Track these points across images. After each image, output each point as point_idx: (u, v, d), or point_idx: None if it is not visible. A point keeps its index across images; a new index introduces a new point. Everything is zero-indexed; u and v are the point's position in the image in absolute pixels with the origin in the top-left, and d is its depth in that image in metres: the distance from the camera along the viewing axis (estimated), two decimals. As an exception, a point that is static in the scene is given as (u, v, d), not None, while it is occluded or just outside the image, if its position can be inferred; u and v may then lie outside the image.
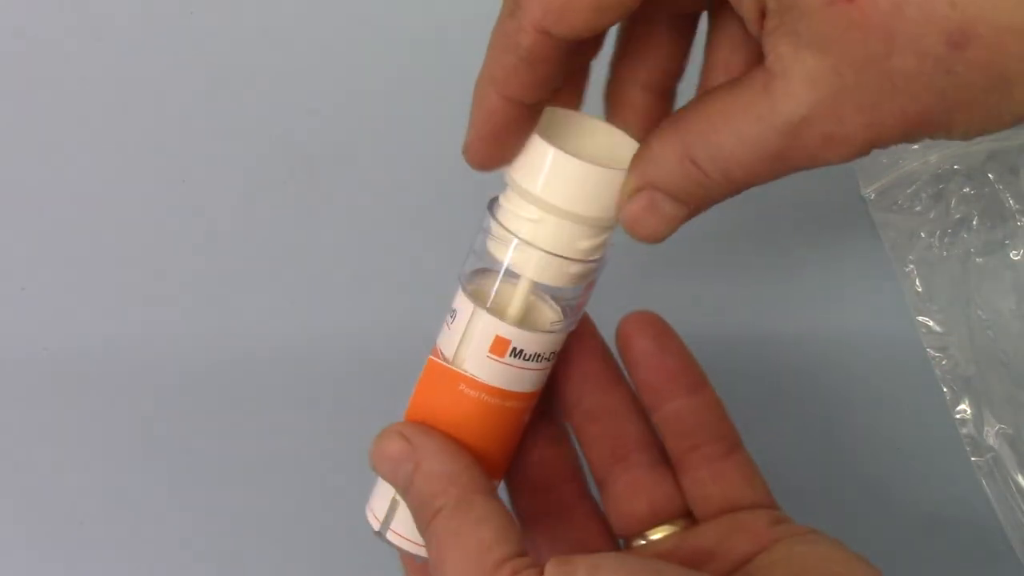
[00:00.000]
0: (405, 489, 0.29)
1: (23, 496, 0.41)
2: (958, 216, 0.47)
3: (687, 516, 0.33)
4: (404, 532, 0.31)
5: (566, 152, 0.28)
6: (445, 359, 0.30)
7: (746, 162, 0.26)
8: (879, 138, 0.25)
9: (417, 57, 0.47)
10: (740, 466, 0.33)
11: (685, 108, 0.28)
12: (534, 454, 0.34)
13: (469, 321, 0.29)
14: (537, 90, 0.28)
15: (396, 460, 0.29)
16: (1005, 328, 0.45)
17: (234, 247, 0.45)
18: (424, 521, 0.28)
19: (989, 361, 0.45)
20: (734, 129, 0.26)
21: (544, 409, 0.33)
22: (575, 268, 0.29)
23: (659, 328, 0.34)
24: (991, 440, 0.44)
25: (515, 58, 0.27)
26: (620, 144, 0.30)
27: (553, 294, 0.30)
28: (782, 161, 0.26)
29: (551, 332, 0.30)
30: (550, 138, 0.29)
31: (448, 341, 0.30)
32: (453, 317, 0.30)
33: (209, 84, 0.48)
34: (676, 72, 0.32)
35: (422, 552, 0.30)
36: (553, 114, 0.30)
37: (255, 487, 0.42)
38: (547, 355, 0.30)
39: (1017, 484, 0.43)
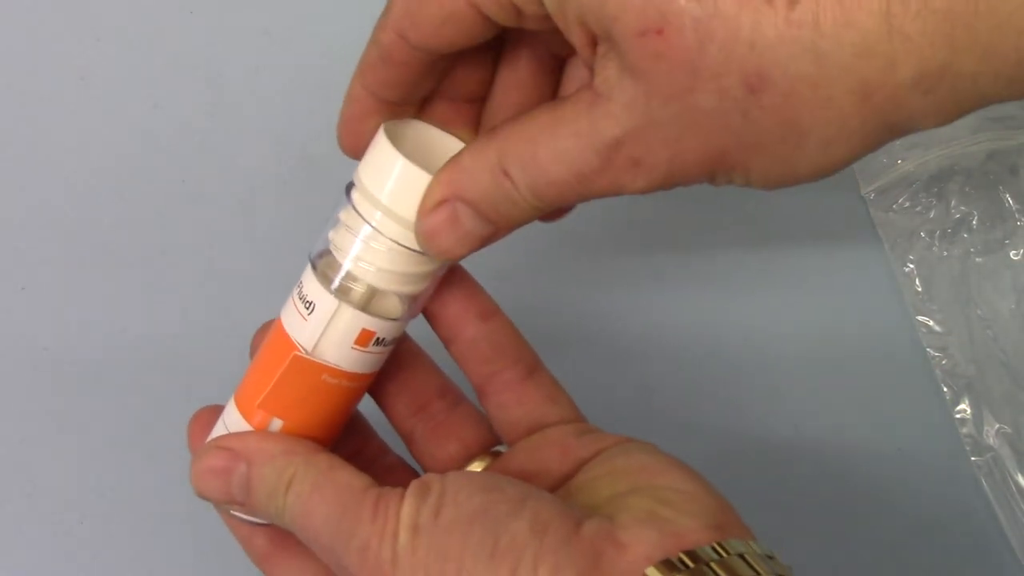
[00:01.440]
0: (245, 492, 0.29)
1: (23, 496, 0.41)
2: (958, 216, 0.47)
3: (495, 448, 0.33)
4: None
5: (410, 160, 0.29)
6: (305, 351, 0.30)
7: (557, 179, 0.27)
8: (680, 172, 0.26)
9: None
10: (541, 386, 0.33)
11: (504, 122, 0.28)
12: None
13: (333, 316, 0.29)
14: (393, 89, 0.29)
15: (224, 469, 0.30)
16: (1005, 328, 0.45)
17: (234, 247, 0.45)
18: (279, 500, 0.29)
19: (989, 361, 0.45)
20: (552, 143, 0.27)
21: None
22: (421, 269, 0.30)
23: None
24: (991, 440, 0.44)
25: (375, 54, 0.29)
26: None
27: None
28: (589, 182, 0.27)
29: (403, 320, 0.31)
30: (400, 146, 0.29)
31: (305, 332, 0.30)
32: (310, 308, 0.30)
33: (209, 84, 0.48)
34: (486, 83, 0.32)
35: (267, 522, 0.31)
36: (407, 126, 0.30)
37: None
38: (400, 335, 0.31)
39: (1017, 484, 0.43)
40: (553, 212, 0.31)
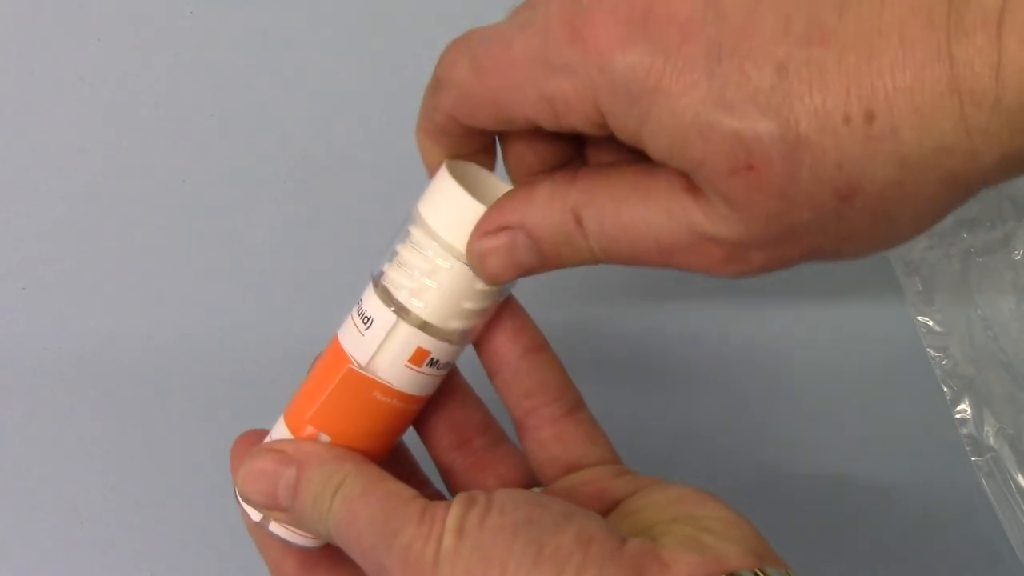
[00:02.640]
0: (291, 496, 0.30)
1: (23, 496, 0.41)
2: (958, 216, 0.47)
3: (534, 485, 0.34)
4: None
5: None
6: (359, 365, 0.30)
7: (640, 244, 0.27)
8: (775, 267, 0.28)
9: (417, 57, 0.47)
10: (581, 424, 0.33)
11: (585, 171, 0.29)
12: None
13: (390, 331, 0.30)
14: (455, 149, 0.30)
15: (274, 472, 0.30)
16: (1005, 328, 0.45)
17: (234, 247, 0.45)
18: (325, 504, 0.29)
19: (989, 361, 0.45)
20: (642, 212, 0.27)
21: None
22: (476, 306, 0.30)
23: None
24: (991, 440, 0.44)
25: (432, 125, 0.30)
26: None
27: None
28: (673, 257, 0.27)
29: (464, 343, 0.31)
30: (460, 183, 0.29)
31: (361, 347, 0.30)
32: (368, 324, 0.30)
33: (209, 84, 0.48)
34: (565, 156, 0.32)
35: (306, 542, 0.31)
36: (466, 166, 0.30)
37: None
38: (454, 361, 0.32)
39: (1017, 484, 0.43)
40: None
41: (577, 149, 0.31)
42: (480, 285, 0.30)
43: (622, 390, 0.44)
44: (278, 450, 0.30)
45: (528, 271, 0.30)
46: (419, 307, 0.29)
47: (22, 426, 0.42)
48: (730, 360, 0.45)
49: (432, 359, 0.30)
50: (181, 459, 0.42)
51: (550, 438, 0.33)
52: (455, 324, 0.30)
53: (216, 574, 0.40)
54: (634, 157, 0.29)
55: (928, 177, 0.25)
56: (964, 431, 0.44)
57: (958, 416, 0.44)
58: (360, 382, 0.30)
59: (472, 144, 0.30)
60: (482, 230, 0.29)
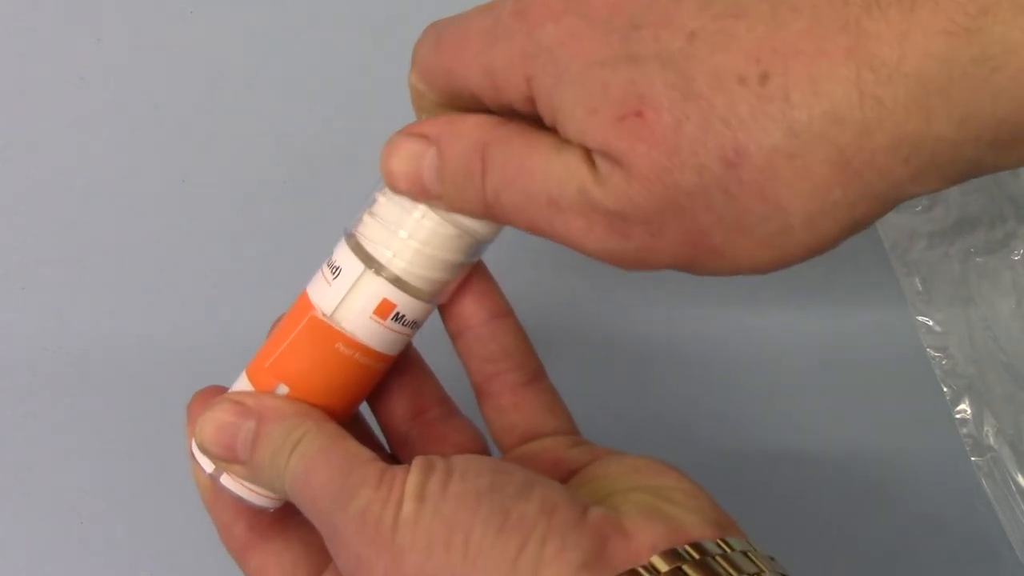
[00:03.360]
0: (249, 449, 0.29)
1: (23, 496, 0.41)
2: (958, 216, 0.47)
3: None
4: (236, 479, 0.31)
5: None
6: (323, 314, 0.30)
7: (530, 192, 0.28)
8: (654, 251, 0.27)
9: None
10: (541, 394, 0.33)
11: (515, 121, 0.29)
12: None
13: (357, 280, 0.29)
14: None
15: (233, 424, 0.30)
16: (1005, 328, 0.45)
17: (234, 247, 0.45)
18: (282, 459, 0.28)
19: (989, 361, 0.45)
20: (546, 162, 0.27)
21: None
22: (449, 257, 0.30)
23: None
24: (991, 440, 0.44)
25: (413, 101, 0.31)
26: None
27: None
28: (558, 216, 0.27)
29: (431, 303, 0.31)
30: None
31: (328, 297, 0.30)
32: (336, 274, 0.30)
33: (209, 84, 0.48)
34: None
35: (258, 499, 0.30)
36: None
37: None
38: (420, 323, 0.31)
39: (1017, 484, 0.43)
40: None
41: None
42: (452, 240, 0.29)
43: (619, 384, 0.44)
44: (239, 402, 0.30)
45: (425, 193, 0.29)
46: (388, 257, 0.29)
47: (22, 426, 0.42)
48: (727, 359, 0.45)
49: (398, 313, 0.30)
50: (181, 459, 0.42)
51: (509, 405, 0.33)
52: (424, 277, 0.29)
53: (216, 574, 0.40)
54: None
55: (817, 153, 0.24)
56: (964, 431, 0.44)
57: (958, 416, 0.44)
58: (323, 331, 0.29)
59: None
60: (407, 129, 0.30)
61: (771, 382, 0.45)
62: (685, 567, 0.25)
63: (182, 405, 0.42)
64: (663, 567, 0.25)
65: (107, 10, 0.49)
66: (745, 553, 0.26)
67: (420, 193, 0.29)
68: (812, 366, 0.45)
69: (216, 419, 0.30)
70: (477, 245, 0.30)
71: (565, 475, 0.30)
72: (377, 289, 0.29)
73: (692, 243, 0.26)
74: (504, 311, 0.33)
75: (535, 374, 0.33)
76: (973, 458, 0.43)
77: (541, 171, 0.27)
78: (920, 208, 0.47)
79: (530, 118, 0.28)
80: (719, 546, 0.26)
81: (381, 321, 0.30)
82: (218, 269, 0.44)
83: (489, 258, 0.32)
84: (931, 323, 0.45)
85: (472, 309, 0.33)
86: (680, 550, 0.25)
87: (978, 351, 0.45)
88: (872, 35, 0.23)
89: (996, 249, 0.46)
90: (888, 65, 0.23)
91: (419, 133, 0.29)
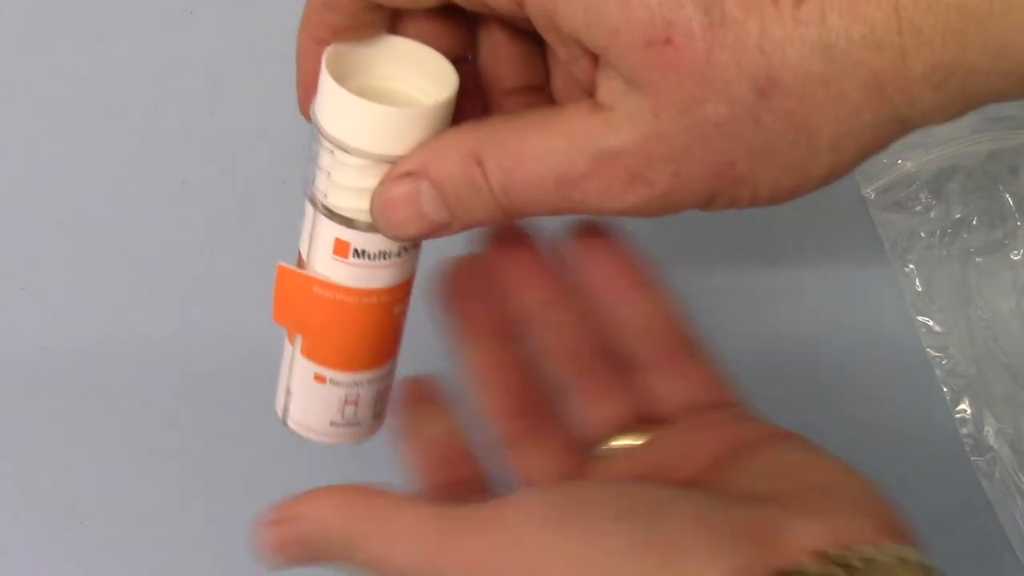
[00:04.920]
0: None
1: (23, 496, 0.41)
2: (958, 216, 0.47)
3: (651, 422, 0.32)
4: (300, 420, 0.33)
5: (361, 92, 0.28)
6: (301, 262, 0.30)
7: (534, 177, 0.26)
8: (681, 189, 0.25)
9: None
10: (702, 365, 0.32)
11: (494, 116, 0.28)
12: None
13: (313, 225, 0.30)
14: (344, 36, 0.28)
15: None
16: (1005, 328, 0.45)
17: (234, 247, 0.45)
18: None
19: (989, 361, 0.45)
20: (541, 141, 0.26)
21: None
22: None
23: (606, 231, 0.32)
24: (991, 440, 0.44)
25: (317, 2, 0.28)
26: (424, 64, 0.29)
27: None
28: (571, 190, 0.26)
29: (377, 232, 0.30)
30: (348, 73, 0.28)
31: (302, 244, 0.30)
32: (303, 220, 0.30)
33: (209, 84, 0.48)
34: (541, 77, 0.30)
35: (320, 439, 0.32)
36: (357, 48, 0.29)
37: (255, 487, 0.42)
38: (395, 251, 0.30)
39: (1017, 484, 0.43)
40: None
41: (470, 40, 0.30)
42: (362, 169, 0.28)
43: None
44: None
45: (434, 227, 0.28)
46: (322, 196, 0.29)
47: (22, 426, 0.42)
48: (728, 360, 0.45)
49: (355, 249, 0.29)
50: (181, 459, 0.42)
51: (669, 378, 0.31)
52: (355, 207, 0.29)
53: (216, 574, 0.40)
54: (534, 47, 0.28)
55: (853, 79, 0.23)
56: (964, 431, 0.44)
57: (958, 416, 0.44)
58: (294, 279, 0.30)
59: (360, 18, 0.28)
60: (388, 177, 0.28)
61: (770, 381, 0.45)
62: (837, 571, 0.23)
63: (182, 405, 0.42)
64: (814, 570, 0.23)
65: (107, 10, 0.49)
66: (908, 561, 0.25)
67: (432, 229, 0.28)
68: (812, 366, 0.45)
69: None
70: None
71: (731, 450, 0.29)
72: (327, 231, 0.29)
73: (716, 174, 0.25)
74: (656, 283, 0.32)
75: (694, 344, 0.32)
76: (973, 458, 0.43)
77: (545, 152, 0.26)
78: (920, 208, 0.47)
79: (502, 18, 0.26)
80: (880, 550, 0.25)
81: (344, 260, 0.29)
82: (218, 269, 0.44)
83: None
84: (931, 323, 0.45)
85: (625, 284, 0.32)
86: (840, 554, 0.24)
87: (978, 351, 0.45)
88: None
89: (996, 249, 0.46)
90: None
91: (402, 173, 0.27)
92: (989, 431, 0.44)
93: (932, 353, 0.45)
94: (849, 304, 0.46)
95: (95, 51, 0.48)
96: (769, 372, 0.45)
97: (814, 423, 0.44)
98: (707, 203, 0.26)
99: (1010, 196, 0.47)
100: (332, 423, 0.33)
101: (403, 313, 0.32)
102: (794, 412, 0.44)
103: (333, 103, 0.28)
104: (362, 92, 0.28)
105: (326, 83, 0.28)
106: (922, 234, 0.46)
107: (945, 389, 0.44)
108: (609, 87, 0.25)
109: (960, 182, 0.47)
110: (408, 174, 0.27)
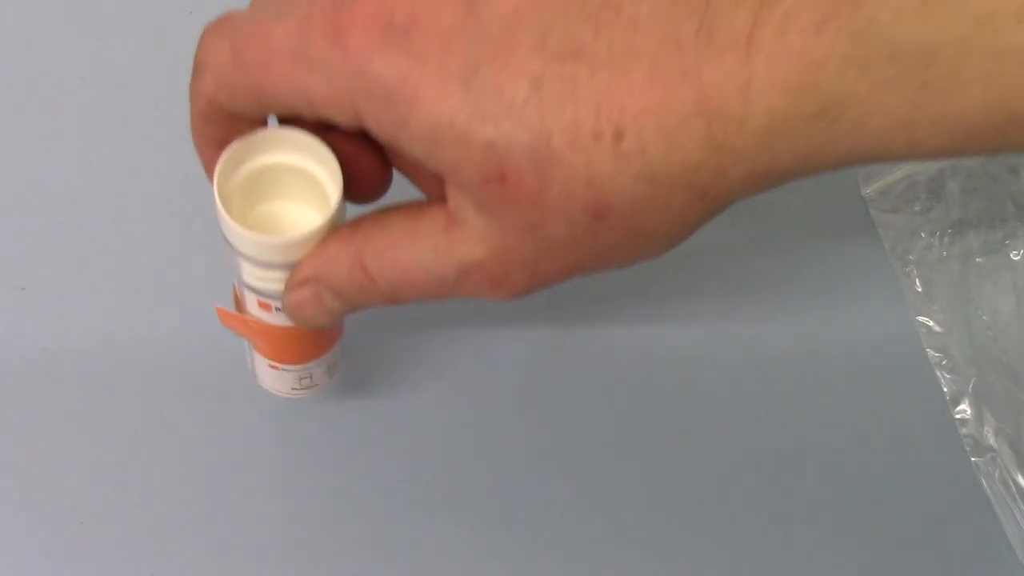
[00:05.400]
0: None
1: (23, 496, 0.41)
2: (958, 216, 0.47)
3: None
4: (267, 385, 0.39)
5: (254, 178, 0.31)
6: (236, 298, 0.35)
7: (417, 283, 0.29)
8: (540, 284, 0.29)
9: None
10: None
11: (367, 220, 0.30)
12: None
13: (238, 280, 0.33)
14: (224, 134, 0.30)
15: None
16: (1005, 328, 0.45)
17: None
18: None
19: (989, 361, 0.45)
20: (412, 253, 0.29)
21: None
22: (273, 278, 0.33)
23: None
24: (991, 440, 0.44)
25: (197, 114, 0.30)
26: (312, 159, 0.31)
27: None
28: (450, 289, 0.29)
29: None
30: (242, 158, 0.31)
31: (234, 284, 0.34)
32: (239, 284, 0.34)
33: (209, 84, 0.48)
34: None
35: (286, 396, 0.38)
36: (253, 139, 0.31)
37: (255, 486, 0.42)
38: None
39: (1017, 484, 0.43)
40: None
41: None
42: (273, 269, 0.32)
43: (616, 384, 0.44)
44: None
45: (344, 314, 0.31)
46: (240, 271, 0.33)
47: (22, 426, 0.42)
48: (727, 360, 0.45)
49: (275, 307, 0.33)
50: (181, 459, 0.42)
51: None
52: (269, 288, 0.32)
53: (217, 574, 0.40)
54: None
55: (677, 192, 0.26)
56: (964, 431, 0.44)
57: (958, 416, 0.44)
58: (235, 318, 0.35)
59: (240, 126, 0.30)
60: (291, 282, 0.31)
61: (769, 381, 0.45)
62: None
63: (182, 405, 0.42)
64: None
65: (107, 10, 0.49)
66: None
67: (340, 317, 0.32)
68: (812, 366, 0.45)
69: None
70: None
71: None
72: (250, 294, 0.33)
73: (568, 271, 0.28)
74: None
75: None
76: (973, 458, 0.43)
77: (418, 264, 0.29)
78: (920, 208, 0.47)
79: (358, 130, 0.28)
80: None
81: (268, 312, 0.33)
82: (218, 269, 0.44)
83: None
84: (931, 323, 0.45)
85: None
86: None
87: (978, 351, 0.45)
88: (714, 85, 0.24)
89: (996, 249, 0.46)
90: (735, 118, 0.24)
91: (300, 281, 0.31)
92: (989, 431, 0.44)
93: (932, 353, 0.45)
94: (849, 304, 0.46)
95: (95, 51, 0.48)
96: (768, 372, 0.45)
97: (813, 423, 0.44)
98: (565, 280, 0.29)
99: (1010, 196, 0.47)
100: (293, 388, 0.39)
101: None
102: (794, 412, 0.44)
103: (228, 227, 0.30)
104: (255, 178, 0.31)
105: (220, 210, 0.30)
106: (922, 234, 0.46)
107: (945, 389, 0.44)
108: (457, 202, 0.28)
109: (960, 182, 0.47)
110: (305, 281, 0.31)
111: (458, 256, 0.28)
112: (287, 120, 0.30)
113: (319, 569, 0.41)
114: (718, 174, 0.25)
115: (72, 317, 0.43)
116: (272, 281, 0.32)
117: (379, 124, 0.27)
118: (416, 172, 0.32)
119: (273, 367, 0.37)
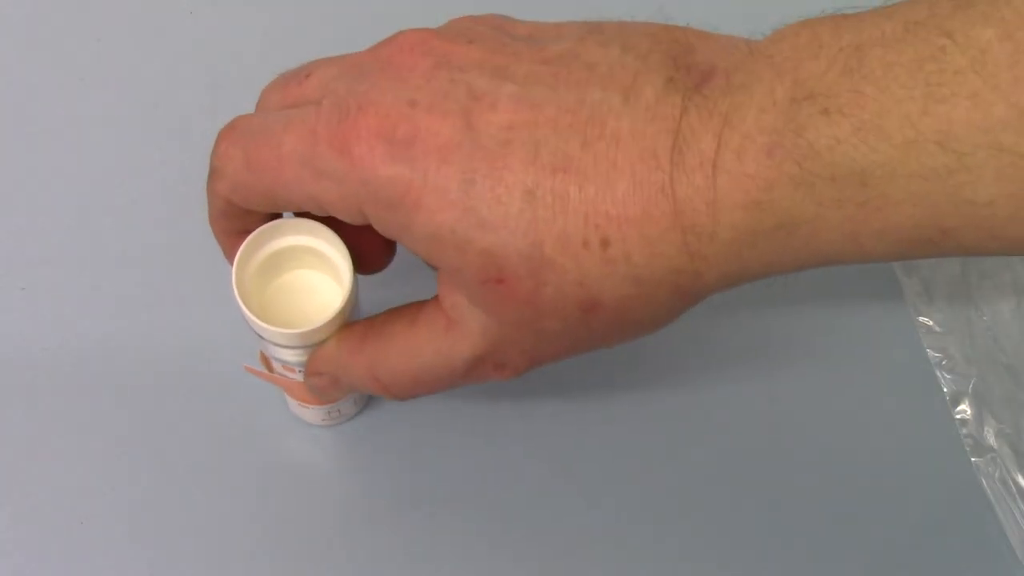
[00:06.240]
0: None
1: (23, 496, 0.41)
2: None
3: None
4: (298, 416, 0.42)
5: (273, 259, 0.34)
6: (267, 363, 0.38)
7: (427, 383, 0.33)
8: (539, 364, 0.32)
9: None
10: None
11: (372, 330, 0.33)
12: None
13: (265, 349, 0.36)
14: (242, 226, 0.33)
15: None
16: (1005, 328, 0.45)
17: (234, 247, 0.45)
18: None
19: (989, 361, 0.45)
20: (418, 360, 0.32)
21: None
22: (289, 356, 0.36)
23: None
24: (991, 440, 0.44)
25: (215, 210, 0.33)
26: (322, 248, 0.34)
27: None
28: (460, 380, 0.32)
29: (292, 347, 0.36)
30: (262, 242, 0.34)
31: (260, 345, 0.36)
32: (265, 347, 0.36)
33: (209, 84, 0.48)
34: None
35: (316, 424, 0.42)
36: (275, 230, 0.34)
37: (255, 487, 0.42)
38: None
39: (1017, 484, 0.43)
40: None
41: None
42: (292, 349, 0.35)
43: (616, 383, 0.44)
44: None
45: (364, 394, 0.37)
46: (263, 346, 0.36)
47: (22, 426, 0.42)
48: (727, 362, 0.45)
49: (299, 370, 0.36)
50: (181, 459, 0.42)
51: None
52: (291, 361, 0.36)
53: (217, 574, 0.40)
54: None
55: (659, 291, 0.28)
56: (964, 431, 0.44)
57: (958, 416, 0.44)
58: (263, 375, 0.38)
59: (255, 219, 0.33)
60: (310, 368, 0.35)
61: (769, 382, 0.45)
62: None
63: (181, 405, 0.42)
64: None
65: (107, 10, 0.49)
66: None
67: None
68: (812, 366, 0.45)
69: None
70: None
71: None
72: (275, 360, 0.36)
73: (563, 354, 0.31)
74: None
75: None
76: (973, 458, 0.43)
77: (425, 369, 0.32)
78: (920, 208, 0.47)
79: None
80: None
81: (293, 373, 0.36)
82: (218, 269, 0.44)
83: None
84: (931, 323, 0.45)
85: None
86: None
87: (978, 351, 0.45)
88: (686, 201, 0.27)
89: (996, 249, 0.46)
90: (706, 232, 0.27)
91: (315, 374, 0.35)
92: (989, 431, 0.44)
93: (932, 353, 0.45)
94: (849, 304, 0.46)
95: (95, 51, 0.48)
96: (768, 372, 0.45)
97: (813, 423, 0.44)
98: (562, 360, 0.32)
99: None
100: (323, 420, 0.42)
101: None
102: (793, 412, 0.44)
103: (250, 321, 0.33)
104: (272, 258, 0.34)
105: (242, 307, 0.33)
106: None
107: (945, 389, 0.44)
108: (453, 300, 0.30)
109: (960, 182, 0.47)
110: (320, 375, 0.35)
111: (462, 353, 0.31)
112: (298, 214, 0.33)
113: (319, 569, 0.41)
114: (695, 276, 0.28)
115: (72, 317, 0.43)
116: (294, 354, 0.35)
117: (384, 226, 0.29)
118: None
119: (302, 405, 0.40)
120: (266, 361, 0.37)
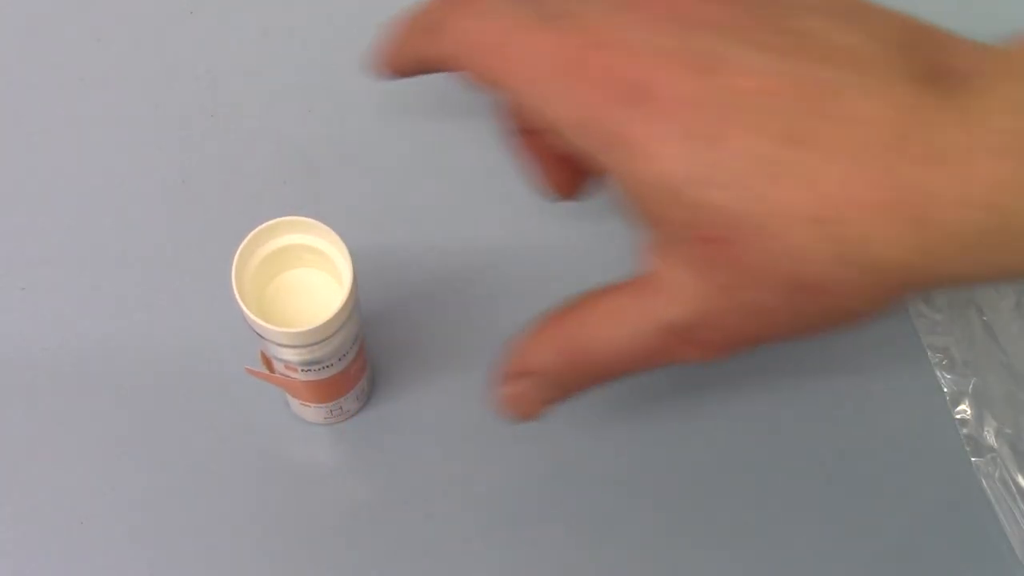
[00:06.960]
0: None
1: (23, 496, 0.41)
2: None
3: None
4: (299, 415, 0.42)
5: (275, 254, 0.35)
6: (264, 357, 0.37)
7: (625, 353, 0.31)
8: (732, 348, 0.31)
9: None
10: None
11: (566, 311, 0.32)
12: None
13: (266, 349, 0.36)
14: (403, 73, 0.35)
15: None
16: (1005, 328, 0.45)
17: (234, 247, 0.45)
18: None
19: (989, 361, 0.45)
20: (619, 325, 0.31)
21: None
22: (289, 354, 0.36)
23: None
24: (991, 440, 0.44)
25: (414, 40, 0.34)
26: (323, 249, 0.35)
27: None
28: (645, 362, 0.31)
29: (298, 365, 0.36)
30: (264, 239, 0.35)
31: (260, 345, 0.36)
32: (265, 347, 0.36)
33: (209, 84, 0.48)
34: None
35: (318, 423, 0.42)
36: (274, 230, 0.35)
37: (255, 487, 0.42)
38: (334, 359, 0.36)
39: (1017, 484, 0.43)
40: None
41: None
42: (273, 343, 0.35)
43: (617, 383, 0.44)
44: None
45: (555, 402, 0.34)
46: (263, 345, 0.36)
47: (22, 426, 0.42)
48: (726, 361, 0.45)
49: (300, 368, 0.36)
50: (181, 459, 0.42)
51: None
52: (293, 360, 0.35)
53: (217, 573, 0.40)
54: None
55: (878, 279, 0.28)
56: (964, 431, 0.44)
57: (958, 416, 0.44)
58: (264, 375, 0.38)
59: (417, 73, 0.34)
60: (501, 377, 0.34)
61: (769, 381, 0.45)
62: None
63: (181, 405, 0.42)
64: None
65: (107, 10, 0.49)
66: None
67: (549, 407, 0.34)
68: (811, 366, 0.45)
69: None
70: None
71: None
72: (276, 360, 0.37)
73: (759, 338, 0.30)
74: None
75: None
76: (973, 458, 0.43)
77: (625, 336, 0.31)
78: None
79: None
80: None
81: (294, 372, 0.36)
82: (218, 269, 0.44)
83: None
84: (931, 323, 0.45)
85: None
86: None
87: (978, 351, 0.45)
88: (918, 192, 0.26)
89: (996, 249, 0.46)
90: (936, 226, 0.26)
91: (514, 375, 0.34)
92: (989, 431, 0.44)
93: (932, 353, 0.45)
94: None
95: (95, 51, 0.48)
96: (767, 372, 0.45)
97: (813, 423, 0.44)
98: (755, 347, 0.31)
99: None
100: (325, 418, 0.42)
101: (360, 355, 0.39)
102: (793, 412, 0.44)
103: (250, 320, 0.33)
104: (271, 257, 0.35)
105: (242, 307, 0.33)
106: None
107: (945, 389, 0.44)
108: (668, 262, 0.30)
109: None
110: (516, 375, 0.33)
111: (660, 320, 0.30)
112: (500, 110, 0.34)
113: (319, 569, 0.41)
114: (923, 273, 0.27)
115: (72, 317, 0.43)
116: (295, 354, 0.35)
117: (606, 161, 0.29)
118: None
119: (304, 404, 0.40)
120: (267, 361, 0.37)
